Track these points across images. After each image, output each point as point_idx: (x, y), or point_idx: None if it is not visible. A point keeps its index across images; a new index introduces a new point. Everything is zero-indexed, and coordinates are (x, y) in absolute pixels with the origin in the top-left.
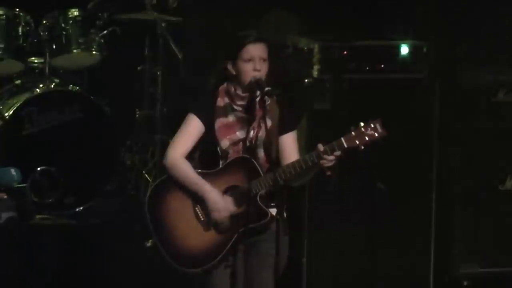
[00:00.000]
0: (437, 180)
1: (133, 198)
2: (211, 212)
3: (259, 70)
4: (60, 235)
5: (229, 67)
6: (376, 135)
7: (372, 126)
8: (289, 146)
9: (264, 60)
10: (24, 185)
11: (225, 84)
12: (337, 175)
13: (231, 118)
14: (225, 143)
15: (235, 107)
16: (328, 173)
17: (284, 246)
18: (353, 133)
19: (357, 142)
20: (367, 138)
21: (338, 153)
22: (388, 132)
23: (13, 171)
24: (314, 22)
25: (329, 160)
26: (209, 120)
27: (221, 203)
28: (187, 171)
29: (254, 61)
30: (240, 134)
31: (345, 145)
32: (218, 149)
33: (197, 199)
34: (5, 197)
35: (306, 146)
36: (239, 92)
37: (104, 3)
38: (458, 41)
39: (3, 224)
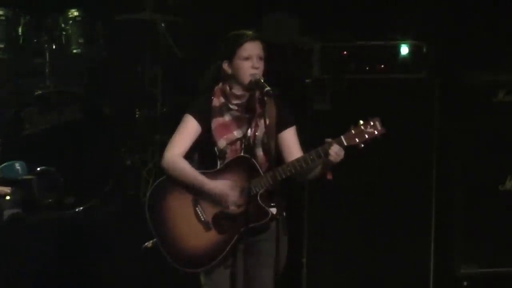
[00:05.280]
0: (437, 180)
1: (133, 198)
2: (220, 203)
3: (257, 68)
4: (60, 235)
5: (225, 66)
6: (376, 132)
7: (372, 124)
8: (290, 142)
9: (261, 58)
10: (31, 177)
11: (220, 84)
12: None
13: (227, 118)
14: (222, 142)
15: (231, 106)
16: (329, 176)
17: (284, 245)
18: (352, 131)
19: (357, 140)
20: (366, 136)
21: (341, 151)
22: (387, 130)
23: (17, 165)
24: (314, 22)
25: (333, 155)
26: (205, 120)
27: (225, 189)
28: (185, 169)
29: (252, 59)
30: (237, 133)
31: (345, 143)
32: (216, 149)
33: (198, 198)
34: (9, 191)
35: (306, 146)
36: (235, 91)
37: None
38: (458, 41)
39: (6, 221)
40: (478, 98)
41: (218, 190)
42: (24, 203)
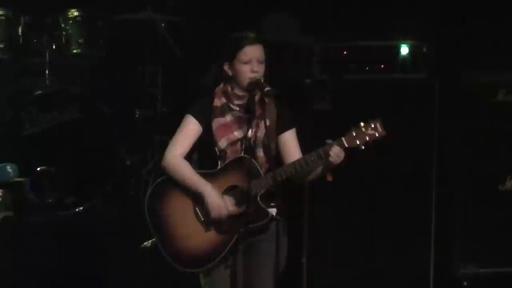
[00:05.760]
0: (437, 180)
1: (133, 198)
2: (210, 212)
3: (256, 72)
4: (60, 235)
5: (226, 68)
6: (377, 134)
7: (373, 125)
8: (290, 144)
9: (261, 61)
10: (22, 179)
11: (221, 84)
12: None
13: (228, 118)
14: (223, 143)
15: (233, 106)
16: (330, 178)
17: (283, 246)
18: (353, 132)
19: (358, 142)
20: (367, 138)
21: (341, 153)
22: (388, 132)
23: (9, 168)
24: (314, 22)
25: (334, 157)
26: (207, 120)
27: (221, 203)
28: (186, 171)
29: (252, 62)
30: (238, 133)
31: (346, 145)
32: (216, 149)
33: (197, 199)
34: (0, 193)
35: (306, 146)
36: (237, 91)
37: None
38: (458, 41)
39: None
40: (478, 98)
41: (210, 200)
42: (16, 206)
